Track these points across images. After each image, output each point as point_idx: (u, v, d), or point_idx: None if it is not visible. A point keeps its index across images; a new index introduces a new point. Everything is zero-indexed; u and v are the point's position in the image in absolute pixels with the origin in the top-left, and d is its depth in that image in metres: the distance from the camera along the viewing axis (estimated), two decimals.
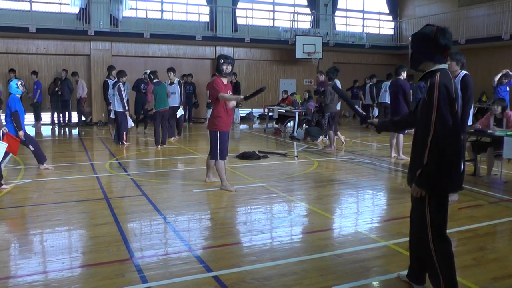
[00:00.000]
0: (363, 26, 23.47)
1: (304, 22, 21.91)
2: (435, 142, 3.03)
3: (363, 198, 6.78)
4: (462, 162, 3.23)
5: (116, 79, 12.00)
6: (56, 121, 17.06)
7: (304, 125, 13.46)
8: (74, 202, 6.35)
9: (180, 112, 12.74)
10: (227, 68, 6.76)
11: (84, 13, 17.37)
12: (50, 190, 7.08)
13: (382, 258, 4.28)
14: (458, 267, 3.87)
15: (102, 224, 5.31)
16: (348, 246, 4.56)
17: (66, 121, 17.23)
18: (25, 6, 16.90)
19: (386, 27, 24.09)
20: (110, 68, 12.82)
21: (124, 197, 6.59)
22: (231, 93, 6.85)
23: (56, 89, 16.58)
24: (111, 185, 7.42)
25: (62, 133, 15.38)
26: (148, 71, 13.91)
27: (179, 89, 12.63)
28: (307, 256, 4.30)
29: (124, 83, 11.76)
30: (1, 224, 5.47)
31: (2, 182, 7.10)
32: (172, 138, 12.77)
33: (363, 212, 5.95)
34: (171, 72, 12.55)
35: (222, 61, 6.75)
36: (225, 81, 6.85)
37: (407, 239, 3.81)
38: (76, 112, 17.44)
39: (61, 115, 17.07)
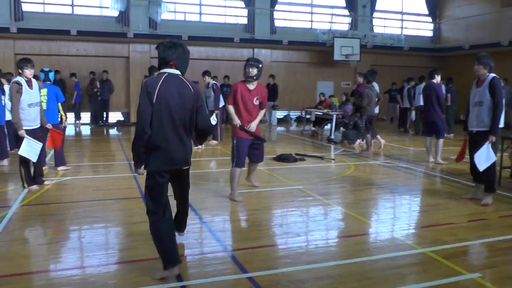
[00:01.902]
0: (402, 27, 23.09)
1: (342, 24, 21.76)
2: None
3: (400, 203, 6.70)
4: None
5: None
6: (95, 121, 17.51)
7: (341, 128, 13.36)
8: (112, 200, 6.51)
9: (213, 120, 12.06)
10: (250, 71, 6.29)
11: (124, 16, 17.76)
12: (88, 188, 7.28)
13: (418, 266, 4.21)
14: (502, 277, 3.79)
15: (139, 222, 5.39)
16: (384, 252, 4.51)
17: (105, 121, 17.65)
18: (67, 9, 17.56)
19: (425, 28, 23.57)
20: (152, 69, 12.92)
21: None
22: (258, 98, 6.43)
23: (95, 90, 17.01)
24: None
25: (100, 132, 15.76)
26: None
27: (213, 93, 12.31)
28: (343, 261, 4.28)
29: None
30: (42, 219, 5.66)
31: (43, 179, 7.37)
32: (213, 141, 12.56)
33: (400, 218, 5.88)
34: (206, 76, 12.42)
35: (245, 63, 6.40)
36: (250, 86, 6.41)
37: (445, 246, 3.76)
38: (112, 112, 17.89)
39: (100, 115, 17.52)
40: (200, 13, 19.49)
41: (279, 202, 6.53)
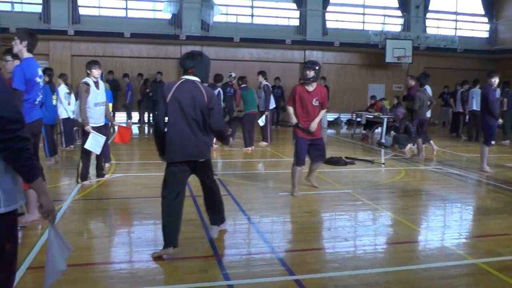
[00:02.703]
0: (456, 28, 22.39)
1: (395, 25, 21.38)
2: None
3: (451, 211, 6.54)
4: None
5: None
6: (146, 120, 18.00)
7: (392, 132, 13.16)
8: (160, 198, 6.67)
9: (261, 122, 12.24)
10: (307, 74, 6.56)
11: (176, 19, 18.16)
12: (138, 185, 7.52)
13: (470, 277, 4.12)
14: None
15: (188, 220, 5.49)
16: (434, 261, 4.44)
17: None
18: (121, 13, 18.21)
19: (480, 29, 22.73)
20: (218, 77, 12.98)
21: None
22: (317, 99, 6.67)
23: (147, 90, 17.49)
24: (198, 183, 7.69)
25: (151, 131, 16.18)
26: (233, 74, 14.17)
27: (263, 94, 12.41)
28: (391, 268, 4.25)
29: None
30: (93, 214, 5.91)
31: (104, 173, 7.83)
32: (262, 143, 12.65)
33: (451, 226, 5.74)
34: (260, 76, 12.49)
35: (303, 66, 6.71)
36: (309, 87, 6.66)
37: (499, 258, 3.67)
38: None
39: (150, 115, 17.98)
40: (252, 15, 19.66)
41: (328, 206, 6.55)
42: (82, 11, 17.66)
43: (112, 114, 9.00)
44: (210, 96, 4.40)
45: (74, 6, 17.22)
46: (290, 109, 6.82)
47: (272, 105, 12.86)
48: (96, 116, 7.28)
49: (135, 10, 18.48)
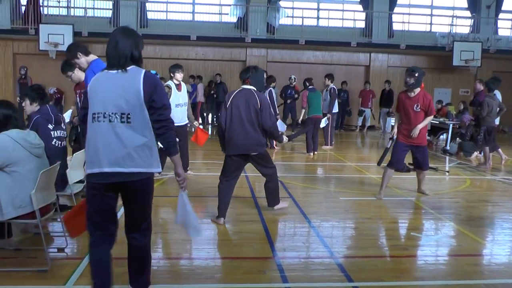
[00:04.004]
0: None
1: (463, 26, 20.61)
2: None
3: None
4: None
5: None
6: (210, 122, 18.44)
7: (457, 138, 12.77)
8: None
9: (323, 123, 12.11)
10: (407, 80, 6.69)
11: (242, 22, 18.46)
12: (200, 184, 7.76)
13: None
14: None
15: (248, 221, 5.69)
16: (500, 277, 4.28)
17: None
18: (188, 16, 18.82)
19: None
20: (270, 78, 13.15)
21: None
22: (419, 105, 6.70)
23: (212, 92, 17.91)
24: (259, 185, 7.78)
25: (215, 132, 16.54)
26: (293, 77, 14.27)
27: (329, 97, 12.39)
28: (452, 281, 4.16)
29: (274, 88, 12.18)
30: (155, 211, 6.11)
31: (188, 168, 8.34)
32: (325, 146, 12.71)
33: None
34: (327, 78, 12.55)
35: (405, 72, 6.85)
36: (411, 94, 6.77)
37: None
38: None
39: (215, 116, 18.40)
40: (318, 18, 19.64)
41: (390, 212, 6.51)
42: (150, 15, 18.41)
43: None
44: (261, 100, 5.47)
45: (143, 10, 17.98)
46: (396, 116, 7.29)
47: (335, 109, 12.81)
48: (177, 116, 7.76)
49: (202, 14, 18.97)
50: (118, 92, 3.05)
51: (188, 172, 8.28)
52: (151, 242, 3.41)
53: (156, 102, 3.10)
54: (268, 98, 11.63)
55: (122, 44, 3.13)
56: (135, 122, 3.05)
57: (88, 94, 3.18)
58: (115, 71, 3.11)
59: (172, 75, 7.96)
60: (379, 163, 7.86)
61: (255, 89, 5.56)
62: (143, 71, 3.13)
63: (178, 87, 7.93)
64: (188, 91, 9.32)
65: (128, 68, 3.12)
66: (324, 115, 12.29)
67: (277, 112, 11.91)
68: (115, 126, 3.03)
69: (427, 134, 14.38)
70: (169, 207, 6.39)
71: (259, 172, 5.93)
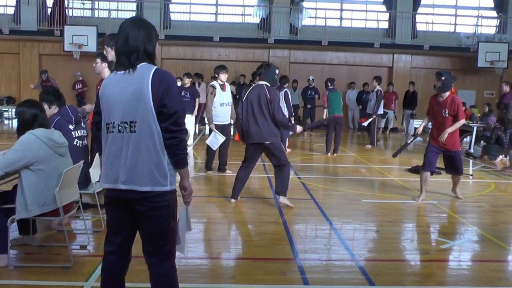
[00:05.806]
0: None
1: (489, 27, 20.28)
2: None
3: None
4: None
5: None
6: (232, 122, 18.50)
7: (481, 141, 12.58)
8: (244, 198, 6.83)
9: (366, 122, 12.99)
10: (435, 83, 6.71)
11: (265, 23, 18.49)
12: (222, 184, 7.81)
13: None
14: None
15: (270, 222, 5.69)
16: None
17: None
18: (211, 18, 18.94)
19: None
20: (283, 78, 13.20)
21: (292, 199, 6.68)
22: (446, 111, 6.63)
23: (234, 93, 17.98)
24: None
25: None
26: (311, 78, 14.30)
27: (375, 98, 12.92)
28: (475, 287, 4.11)
29: (292, 89, 12.33)
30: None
31: (226, 167, 8.67)
32: (367, 146, 13.27)
33: None
34: (374, 80, 13.09)
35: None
36: (440, 98, 6.75)
37: None
38: None
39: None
40: (341, 18, 19.56)
41: (412, 216, 6.47)
42: (173, 16, 18.58)
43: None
44: (271, 93, 6.05)
45: (166, 12, 18.17)
46: (427, 118, 7.19)
47: (380, 111, 13.24)
48: (221, 115, 8.18)
49: (225, 15, 19.08)
50: (125, 97, 2.70)
51: (227, 171, 8.57)
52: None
53: (167, 107, 2.66)
54: (281, 96, 11.63)
55: (133, 36, 2.71)
56: (142, 132, 2.67)
57: (100, 100, 2.89)
58: (123, 72, 2.73)
59: (216, 75, 8.32)
60: (394, 155, 7.78)
61: (268, 84, 6.17)
62: (153, 69, 2.71)
63: (223, 87, 8.25)
64: (231, 92, 9.50)
65: (138, 65, 2.71)
66: (369, 115, 12.95)
67: (292, 112, 11.83)
68: (123, 137, 2.71)
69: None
70: (192, 207, 6.43)
71: (271, 163, 6.38)
